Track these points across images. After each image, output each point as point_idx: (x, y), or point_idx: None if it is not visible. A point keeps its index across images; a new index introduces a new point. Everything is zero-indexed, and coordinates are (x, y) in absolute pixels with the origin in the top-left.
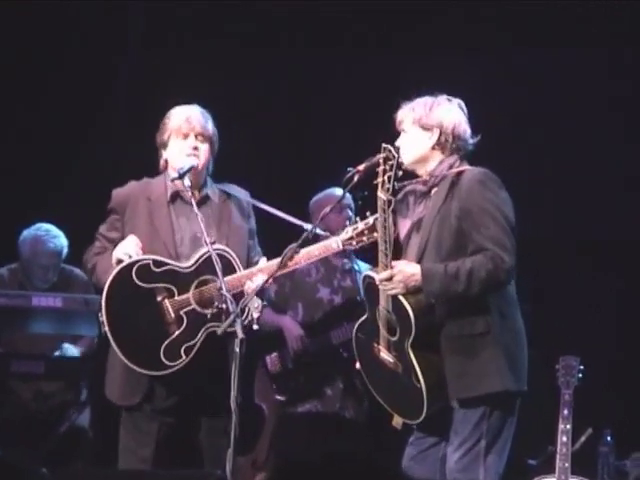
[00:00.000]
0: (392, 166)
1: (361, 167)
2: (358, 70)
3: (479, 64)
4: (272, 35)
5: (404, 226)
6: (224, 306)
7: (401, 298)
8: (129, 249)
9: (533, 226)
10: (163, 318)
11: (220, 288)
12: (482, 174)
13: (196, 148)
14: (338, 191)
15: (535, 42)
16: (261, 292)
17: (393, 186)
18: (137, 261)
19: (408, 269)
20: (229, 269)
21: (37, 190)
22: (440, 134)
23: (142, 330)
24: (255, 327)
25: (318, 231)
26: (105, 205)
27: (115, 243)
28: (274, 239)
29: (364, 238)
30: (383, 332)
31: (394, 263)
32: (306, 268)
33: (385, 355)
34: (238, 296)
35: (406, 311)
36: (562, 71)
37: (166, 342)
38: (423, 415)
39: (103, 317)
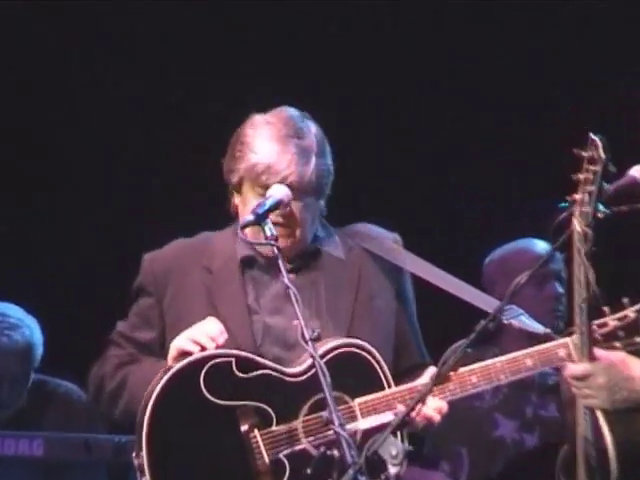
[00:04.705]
0: (595, 173)
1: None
2: None
3: None
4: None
5: None
6: (337, 453)
7: (600, 418)
8: (210, 333)
9: None
10: (249, 464)
11: (330, 421)
12: None
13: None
14: (539, 245)
15: None
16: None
17: (595, 208)
18: (211, 356)
19: (623, 368)
20: (371, 381)
21: None
22: None
23: None
24: None
25: (510, 320)
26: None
27: (150, 348)
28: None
29: (617, 343)
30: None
31: (600, 353)
32: None
33: None
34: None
35: (604, 449)
36: None
37: None
38: None
39: (143, 456)
